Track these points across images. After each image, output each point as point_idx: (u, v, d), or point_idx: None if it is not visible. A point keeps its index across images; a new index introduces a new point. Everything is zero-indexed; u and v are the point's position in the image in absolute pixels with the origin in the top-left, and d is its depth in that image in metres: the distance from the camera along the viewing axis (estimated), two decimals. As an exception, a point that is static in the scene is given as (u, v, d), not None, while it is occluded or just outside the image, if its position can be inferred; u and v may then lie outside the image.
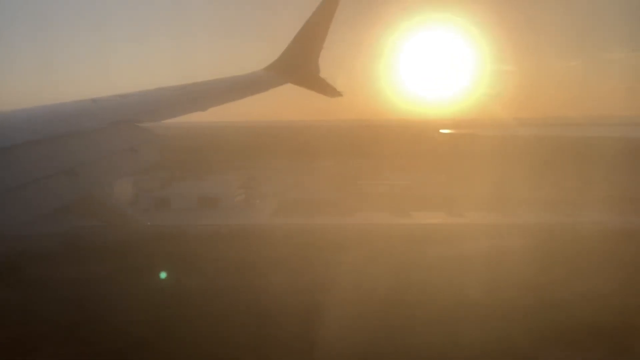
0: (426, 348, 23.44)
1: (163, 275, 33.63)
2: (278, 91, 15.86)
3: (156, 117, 10.16)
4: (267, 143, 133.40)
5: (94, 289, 30.59)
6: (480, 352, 22.95)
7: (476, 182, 69.55)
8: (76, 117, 8.95)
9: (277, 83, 15.92)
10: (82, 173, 7.41)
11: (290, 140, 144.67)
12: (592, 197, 60.62)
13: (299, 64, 16.78)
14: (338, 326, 24.80)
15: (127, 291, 30.08)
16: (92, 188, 8.21)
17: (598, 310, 26.80)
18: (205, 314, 26.83)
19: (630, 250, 37.75)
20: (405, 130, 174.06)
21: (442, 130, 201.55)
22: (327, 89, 17.33)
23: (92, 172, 7.79)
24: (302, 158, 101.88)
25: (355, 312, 26.42)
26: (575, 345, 23.97)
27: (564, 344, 24.18)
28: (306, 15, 16.63)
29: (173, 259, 37.26)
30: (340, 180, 79.67)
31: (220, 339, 24.48)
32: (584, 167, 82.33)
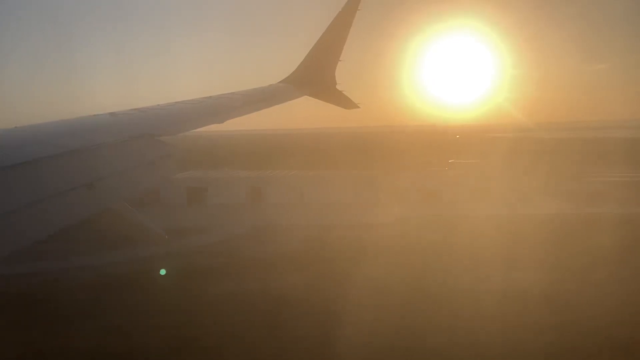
0: None
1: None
2: (292, 102, 15.86)
3: (174, 131, 10.19)
4: (373, 148, 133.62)
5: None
6: None
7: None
8: (95, 131, 9.00)
9: (294, 96, 15.92)
10: (101, 187, 7.41)
11: (384, 146, 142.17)
12: None
13: (316, 76, 16.78)
14: None
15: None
16: (111, 203, 8.22)
17: None
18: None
19: None
20: (469, 135, 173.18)
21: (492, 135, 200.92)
22: (344, 101, 17.28)
23: (110, 186, 7.79)
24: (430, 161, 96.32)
25: None
26: None
27: None
28: (323, 27, 16.65)
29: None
30: (543, 178, 77.57)
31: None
32: None
